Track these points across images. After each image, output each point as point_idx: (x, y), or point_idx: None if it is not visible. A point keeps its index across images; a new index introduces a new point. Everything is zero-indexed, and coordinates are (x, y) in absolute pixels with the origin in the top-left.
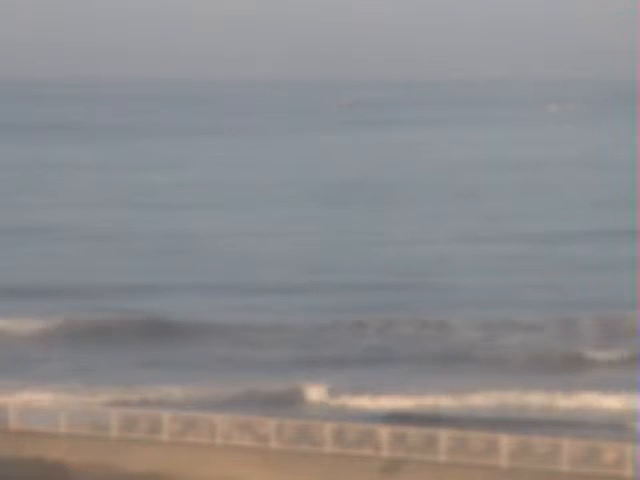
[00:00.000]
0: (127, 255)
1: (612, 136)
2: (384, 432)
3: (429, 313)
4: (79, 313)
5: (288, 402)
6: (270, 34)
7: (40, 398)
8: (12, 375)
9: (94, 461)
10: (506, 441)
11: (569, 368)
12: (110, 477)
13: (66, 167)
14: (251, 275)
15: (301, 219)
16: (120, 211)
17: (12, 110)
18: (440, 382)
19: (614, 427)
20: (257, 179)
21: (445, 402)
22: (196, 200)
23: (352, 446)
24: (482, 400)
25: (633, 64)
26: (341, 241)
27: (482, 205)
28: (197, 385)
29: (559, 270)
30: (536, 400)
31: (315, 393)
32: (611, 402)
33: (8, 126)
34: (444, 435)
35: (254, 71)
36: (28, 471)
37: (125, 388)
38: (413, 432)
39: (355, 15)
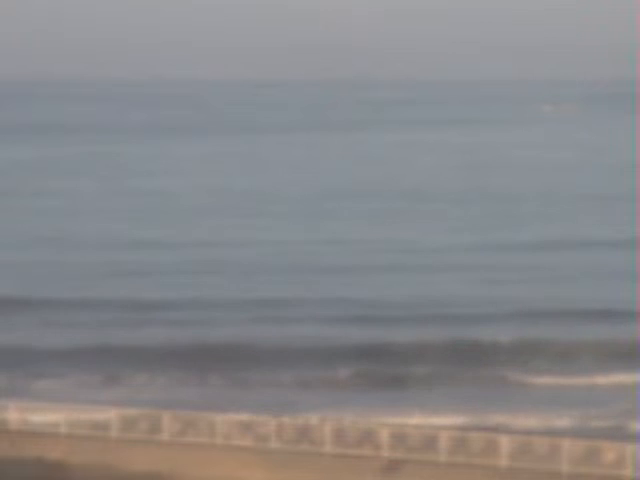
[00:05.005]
0: None
1: (608, 137)
2: (384, 432)
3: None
4: None
5: None
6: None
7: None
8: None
9: (94, 461)
10: (506, 441)
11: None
12: (110, 477)
13: None
14: None
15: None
16: None
17: None
18: None
19: None
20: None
21: None
22: None
23: (352, 446)
24: None
25: (632, 63)
26: None
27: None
28: None
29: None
30: None
31: None
32: None
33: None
34: (444, 435)
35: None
36: (28, 471)
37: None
38: (413, 432)
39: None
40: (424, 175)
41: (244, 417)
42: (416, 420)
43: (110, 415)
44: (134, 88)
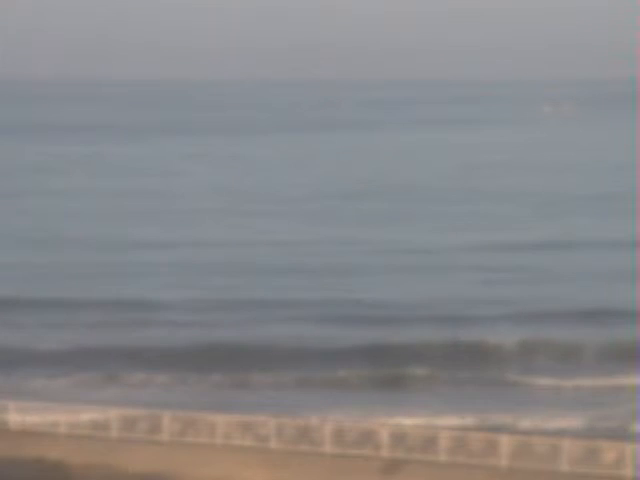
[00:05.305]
0: None
1: (608, 137)
2: (384, 432)
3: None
4: None
5: None
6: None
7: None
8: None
9: (94, 461)
10: (506, 441)
11: None
12: (110, 477)
13: None
14: None
15: None
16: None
17: None
18: None
19: None
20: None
21: None
22: None
23: (352, 446)
24: None
25: (632, 63)
26: None
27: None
28: None
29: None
30: None
31: None
32: None
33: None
34: (444, 435)
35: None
36: (28, 471)
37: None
38: (413, 432)
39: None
40: (424, 175)
41: (244, 417)
42: (416, 420)
43: (110, 415)
44: (134, 88)
